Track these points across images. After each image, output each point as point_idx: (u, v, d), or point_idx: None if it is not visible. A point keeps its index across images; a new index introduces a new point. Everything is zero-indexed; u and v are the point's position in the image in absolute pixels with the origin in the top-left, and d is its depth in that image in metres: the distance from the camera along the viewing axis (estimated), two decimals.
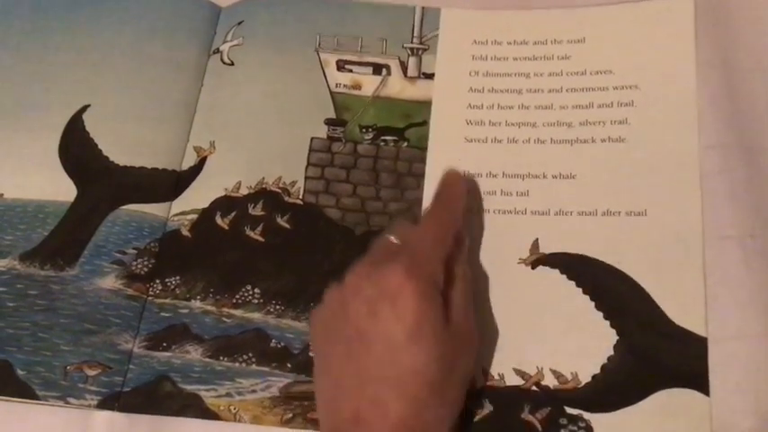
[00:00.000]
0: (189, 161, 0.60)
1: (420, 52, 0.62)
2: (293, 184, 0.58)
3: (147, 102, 0.62)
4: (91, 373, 0.53)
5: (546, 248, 0.54)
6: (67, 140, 0.60)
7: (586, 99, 0.59)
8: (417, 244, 0.48)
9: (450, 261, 0.49)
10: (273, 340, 0.53)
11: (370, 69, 0.62)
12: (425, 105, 0.60)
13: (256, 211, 0.58)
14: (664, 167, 0.55)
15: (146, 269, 0.56)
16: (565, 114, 0.58)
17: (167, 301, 0.55)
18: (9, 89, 0.63)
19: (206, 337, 0.54)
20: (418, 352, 0.44)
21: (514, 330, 0.52)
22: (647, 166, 0.56)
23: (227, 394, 0.52)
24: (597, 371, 0.50)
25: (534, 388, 0.50)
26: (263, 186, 0.58)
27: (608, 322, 0.52)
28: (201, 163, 0.59)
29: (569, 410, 0.50)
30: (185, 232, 0.57)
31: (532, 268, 0.54)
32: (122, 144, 0.60)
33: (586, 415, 0.49)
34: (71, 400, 0.52)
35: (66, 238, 0.57)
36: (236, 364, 0.53)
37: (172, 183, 0.59)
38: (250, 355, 0.53)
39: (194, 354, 0.53)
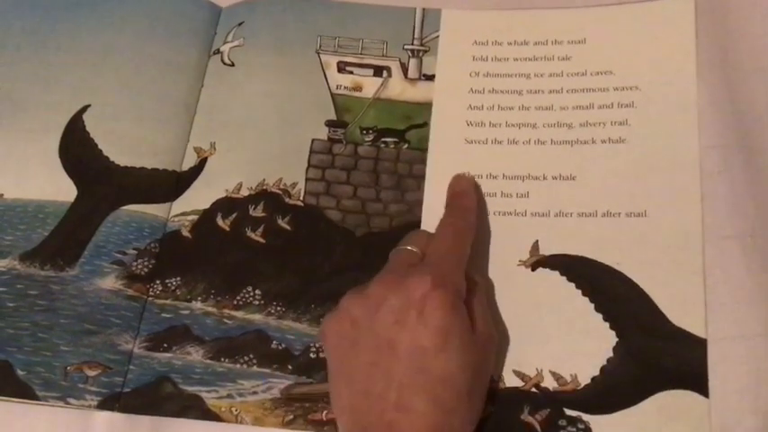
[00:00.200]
0: (189, 162, 0.60)
1: (421, 54, 0.62)
2: (294, 185, 0.58)
3: (148, 102, 0.62)
4: (91, 373, 0.53)
5: (546, 250, 0.54)
6: (68, 141, 0.60)
7: (587, 100, 0.59)
8: (440, 255, 0.49)
9: (469, 269, 0.50)
10: (274, 342, 0.53)
11: (370, 71, 0.62)
12: (426, 107, 0.60)
13: (257, 212, 0.58)
14: (664, 168, 0.55)
15: (146, 270, 0.56)
16: (565, 115, 0.58)
17: (168, 301, 0.55)
18: (9, 89, 0.62)
19: (207, 339, 0.54)
20: (447, 360, 0.45)
21: (514, 332, 0.52)
22: (648, 167, 0.56)
23: (229, 395, 0.52)
24: (597, 372, 0.50)
25: (534, 389, 0.51)
26: (264, 187, 0.58)
27: (607, 324, 0.52)
28: (202, 164, 0.59)
29: (569, 412, 0.50)
30: (186, 233, 0.57)
31: (532, 270, 0.54)
32: (123, 144, 0.60)
33: (586, 416, 0.49)
34: (71, 400, 0.52)
35: (67, 238, 0.57)
36: (238, 366, 0.53)
37: (172, 183, 0.59)
38: (251, 356, 0.53)
39: (195, 355, 0.53)
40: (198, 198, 0.58)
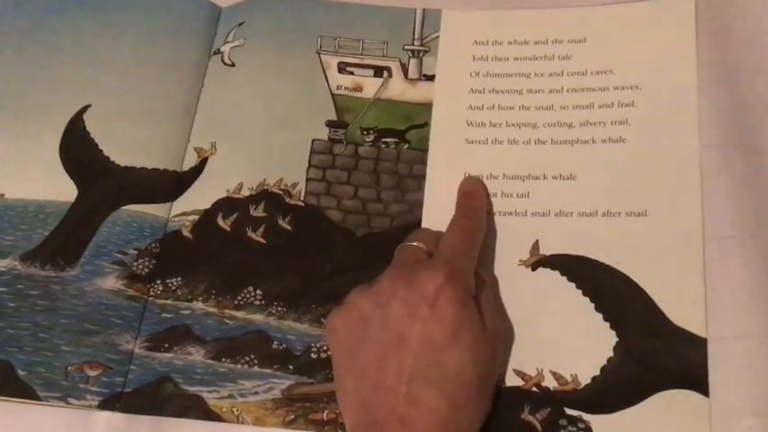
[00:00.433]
0: (190, 162, 0.60)
1: (421, 54, 0.62)
2: (294, 185, 0.58)
3: (148, 102, 0.61)
4: (92, 373, 0.53)
5: (546, 250, 0.54)
6: (68, 141, 0.60)
7: (587, 99, 0.59)
8: (451, 251, 0.50)
9: (477, 267, 0.50)
10: (275, 342, 0.53)
11: (371, 71, 0.62)
12: (426, 107, 0.60)
13: (258, 212, 0.58)
14: (664, 168, 0.55)
15: (147, 270, 0.56)
16: (565, 115, 0.58)
17: (168, 302, 0.55)
18: (10, 90, 0.62)
19: (208, 339, 0.54)
20: (459, 354, 0.46)
21: (515, 332, 0.52)
22: (648, 167, 0.56)
23: (230, 396, 0.52)
24: (597, 372, 0.50)
25: (534, 389, 0.51)
26: (265, 188, 0.58)
27: (608, 324, 0.52)
28: (202, 164, 0.59)
29: (569, 411, 0.50)
30: (186, 233, 0.57)
31: (533, 270, 0.54)
32: (123, 144, 0.60)
33: (586, 416, 0.50)
34: (72, 400, 0.52)
35: (67, 238, 0.57)
36: (239, 366, 0.53)
37: (173, 183, 0.59)
38: (252, 356, 0.53)
39: (196, 355, 0.53)
40: (198, 198, 0.58)
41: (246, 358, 0.53)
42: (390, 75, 0.62)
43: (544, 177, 0.57)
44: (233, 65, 0.63)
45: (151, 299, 0.55)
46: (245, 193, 0.58)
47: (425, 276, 0.47)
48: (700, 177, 0.55)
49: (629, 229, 0.54)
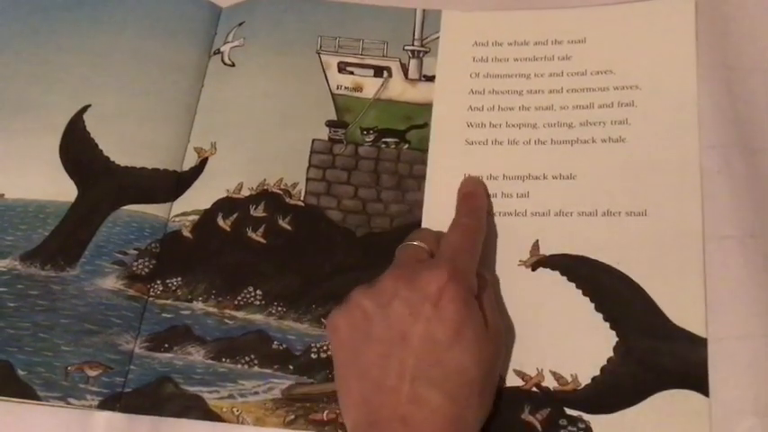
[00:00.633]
0: (190, 162, 0.60)
1: (421, 54, 0.62)
2: (294, 185, 0.58)
3: (148, 102, 0.61)
4: (92, 373, 0.53)
5: (546, 249, 0.54)
6: (68, 141, 0.60)
7: (587, 99, 0.59)
8: (453, 251, 0.50)
9: (478, 267, 0.50)
10: (275, 342, 0.53)
11: (371, 71, 0.62)
12: (426, 107, 0.60)
13: (258, 212, 0.58)
14: (664, 167, 0.55)
15: (147, 270, 0.56)
16: (565, 115, 0.58)
17: (168, 302, 0.55)
18: (10, 89, 0.62)
19: (208, 339, 0.54)
20: (462, 353, 0.46)
21: (515, 332, 0.52)
22: (648, 166, 0.56)
23: (230, 396, 0.52)
24: (597, 372, 0.51)
25: (534, 389, 0.51)
26: (265, 188, 0.58)
27: (608, 324, 0.52)
28: (202, 164, 0.59)
29: (569, 411, 0.50)
30: (186, 233, 0.57)
31: (533, 270, 0.54)
32: (123, 144, 0.60)
33: (586, 416, 0.50)
34: (72, 400, 0.52)
35: (67, 238, 0.57)
36: (239, 366, 0.53)
37: (173, 183, 0.59)
38: (252, 356, 0.53)
39: (196, 355, 0.53)
40: (198, 198, 0.58)
41: (246, 358, 0.53)
42: (390, 75, 0.62)
43: (544, 177, 0.57)
44: (233, 65, 0.63)
45: (151, 299, 0.55)
46: (245, 193, 0.58)
47: (428, 275, 0.47)
48: (700, 177, 0.55)
49: (629, 228, 0.54)
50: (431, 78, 0.61)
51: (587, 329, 0.52)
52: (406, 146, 0.59)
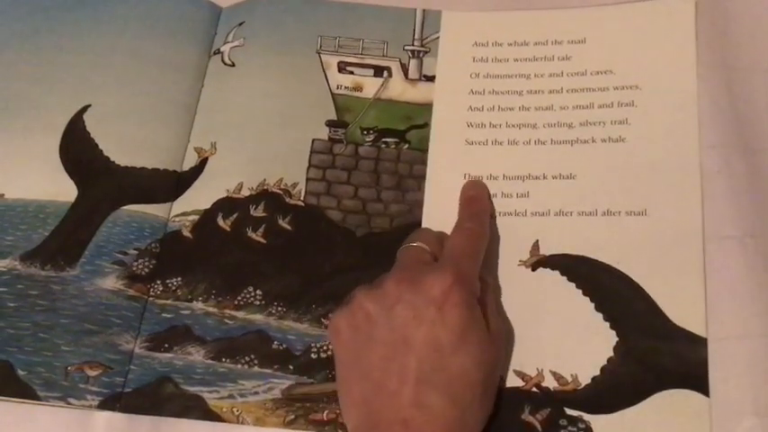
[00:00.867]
0: (190, 162, 0.60)
1: (421, 54, 0.62)
2: (295, 185, 0.58)
3: (148, 102, 0.61)
4: (92, 373, 0.53)
5: (546, 249, 0.54)
6: (68, 141, 0.60)
7: (587, 99, 0.59)
8: (457, 254, 0.50)
9: (481, 270, 0.50)
10: (275, 342, 0.53)
11: (371, 71, 0.62)
12: (426, 107, 0.60)
13: (258, 212, 0.58)
14: (664, 167, 0.55)
15: (147, 270, 0.56)
16: (565, 115, 0.59)
17: (168, 302, 0.55)
18: (10, 89, 0.62)
19: (208, 339, 0.54)
20: (465, 357, 0.46)
21: (515, 332, 0.52)
22: (648, 166, 0.56)
23: (230, 396, 0.52)
24: (597, 372, 0.51)
25: (534, 389, 0.51)
26: (265, 188, 0.58)
27: (608, 324, 0.52)
28: (202, 164, 0.59)
29: (569, 412, 0.50)
30: (186, 233, 0.57)
31: (533, 270, 0.54)
32: (123, 144, 0.60)
33: (586, 416, 0.50)
34: (72, 400, 0.52)
35: (67, 238, 0.57)
36: (239, 366, 0.53)
37: (173, 183, 0.59)
38: (252, 356, 0.53)
39: (196, 355, 0.53)
40: (198, 198, 0.58)
41: (246, 358, 0.53)
42: (390, 75, 0.62)
43: (544, 177, 0.57)
44: (233, 65, 0.63)
45: (151, 299, 0.55)
46: (245, 193, 0.58)
47: (432, 279, 0.47)
48: (700, 177, 0.55)
49: (629, 228, 0.54)
50: (431, 78, 0.61)
51: (587, 329, 0.52)
52: (406, 146, 0.59)
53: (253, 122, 0.60)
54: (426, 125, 0.60)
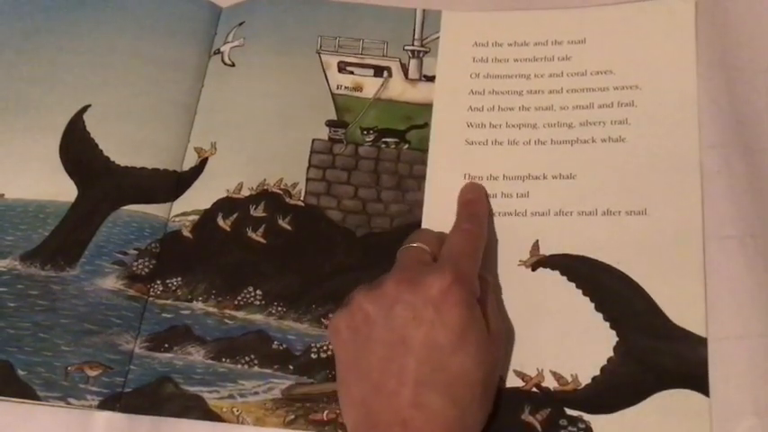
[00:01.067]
0: (190, 162, 0.60)
1: (421, 54, 0.62)
2: (295, 185, 0.58)
3: (148, 102, 0.61)
4: (92, 373, 0.53)
5: (546, 249, 0.54)
6: (68, 141, 0.60)
7: (587, 99, 0.59)
8: (455, 255, 0.50)
9: (481, 270, 0.50)
10: (275, 342, 0.53)
11: (371, 71, 0.62)
12: (426, 107, 0.60)
13: (258, 212, 0.58)
14: (664, 167, 0.55)
15: (147, 270, 0.56)
16: (565, 115, 0.59)
17: (168, 302, 0.55)
18: (10, 89, 0.62)
19: (208, 339, 0.54)
20: (465, 357, 0.46)
21: (515, 332, 0.52)
22: (648, 166, 0.56)
23: (230, 396, 0.52)
24: (597, 372, 0.51)
25: (534, 389, 0.51)
26: (265, 188, 0.58)
27: (608, 324, 0.52)
28: (202, 164, 0.59)
29: (569, 412, 0.50)
30: (186, 233, 0.57)
31: (533, 270, 0.54)
32: (123, 144, 0.60)
33: (586, 416, 0.50)
34: (72, 400, 0.52)
35: (67, 238, 0.57)
36: (239, 366, 0.53)
37: (173, 183, 0.59)
38: (252, 356, 0.53)
39: (196, 355, 0.53)
40: (198, 198, 0.58)
41: (246, 358, 0.53)
42: (390, 75, 0.62)
43: (544, 177, 0.57)
44: (233, 65, 0.63)
45: (151, 299, 0.55)
46: (245, 193, 0.58)
47: (431, 279, 0.46)
48: (700, 177, 0.55)
49: (629, 228, 0.54)
50: (431, 78, 0.61)
51: (587, 329, 0.52)
52: (406, 146, 0.59)
53: (253, 122, 0.60)
54: (426, 125, 0.60)
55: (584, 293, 0.53)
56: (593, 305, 0.52)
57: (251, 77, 0.62)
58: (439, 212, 0.56)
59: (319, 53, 0.63)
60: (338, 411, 0.50)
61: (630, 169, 0.56)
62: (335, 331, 0.49)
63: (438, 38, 0.63)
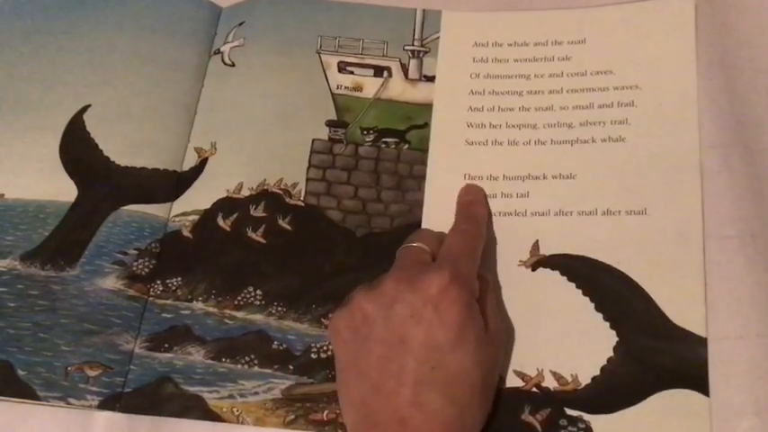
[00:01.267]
0: (190, 162, 0.60)
1: (421, 54, 0.62)
2: (294, 185, 0.58)
3: (148, 102, 0.61)
4: (92, 373, 0.53)
5: (546, 249, 0.54)
6: (68, 141, 0.60)
7: (587, 99, 0.59)
8: (454, 255, 0.50)
9: (480, 269, 0.50)
10: (275, 342, 0.53)
11: (371, 71, 0.62)
12: (426, 108, 0.60)
13: (258, 212, 0.58)
14: (664, 167, 0.56)
15: (147, 270, 0.56)
16: (565, 115, 0.59)
17: (168, 302, 0.55)
18: (10, 89, 0.62)
19: (208, 339, 0.54)
20: (463, 356, 0.46)
21: (515, 332, 0.52)
22: (648, 166, 0.56)
23: (230, 396, 0.52)
24: (597, 372, 0.51)
25: (534, 389, 0.51)
26: (265, 188, 0.58)
27: (608, 324, 0.52)
28: (202, 164, 0.59)
29: (569, 412, 0.50)
30: (186, 233, 0.57)
31: (533, 270, 0.54)
32: (123, 144, 0.60)
33: (586, 416, 0.50)
34: (72, 400, 0.52)
35: (67, 238, 0.57)
36: (239, 366, 0.53)
37: (173, 183, 0.59)
38: (252, 357, 0.53)
39: (196, 355, 0.53)
40: (198, 198, 0.58)
41: (246, 358, 0.53)
42: (390, 75, 0.62)
43: (544, 177, 0.57)
44: (233, 65, 0.63)
45: (151, 299, 0.55)
46: (245, 193, 0.58)
47: (430, 278, 0.47)
48: (700, 177, 0.55)
49: (629, 228, 0.54)
50: (431, 78, 0.61)
51: (587, 329, 0.52)
52: (406, 146, 0.59)
53: (253, 122, 0.60)
54: (426, 125, 0.60)
55: (585, 293, 0.53)
56: (593, 305, 0.52)
57: (251, 77, 0.62)
58: (439, 212, 0.56)
59: (319, 53, 0.63)
60: (338, 411, 0.50)
61: (630, 169, 0.56)
62: (335, 331, 0.49)
63: (438, 38, 0.63)
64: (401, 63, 0.62)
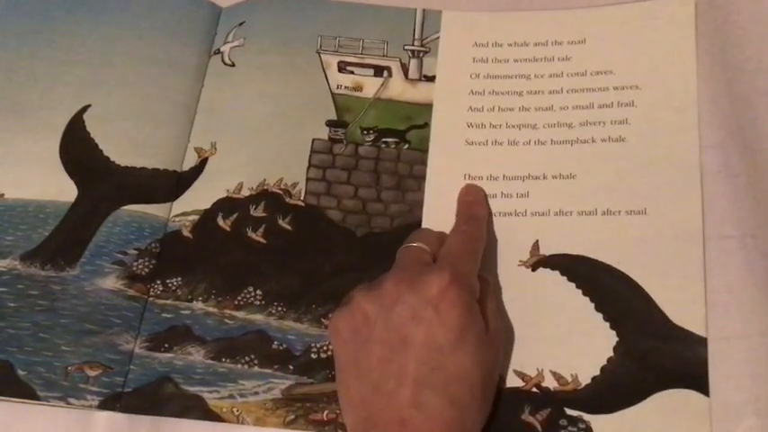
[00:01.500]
0: (190, 162, 0.60)
1: (421, 54, 0.62)
2: (295, 185, 0.58)
3: (148, 102, 0.61)
4: (92, 373, 0.53)
5: (546, 249, 0.54)
6: (68, 141, 0.60)
7: (587, 99, 0.59)
8: (455, 256, 0.50)
9: (480, 270, 0.51)
10: (275, 342, 0.53)
11: (371, 71, 0.62)
12: (426, 107, 0.60)
13: (258, 212, 0.58)
14: (664, 166, 0.56)
15: (147, 270, 0.56)
16: (565, 115, 0.59)
17: (168, 302, 0.55)
18: (9, 89, 0.62)
19: (208, 339, 0.54)
20: (463, 357, 0.46)
21: (515, 332, 0.52)
22: (648, 166, 0.56)
23: (230, 396, 0.52)
24: (597, 372, 0.51)
25: (534, 389, 0.51)
26: (265, 188, 0.58)
27: (608, 324, 0.52)
28: (203, 164, 0.59)
29: (569, 412, 0.50)
30: (186, 233, 0.57)
31: (533, 270, 0.54)
32: (123, 144, 0.60)
33: (586, 416, 0.50)
34: (72, 400, 0.52)
35: (67, 238, 0.57)
36: (239, 366, 0.53)
37: (173, 183, 0.59)
38: (252, 356, 0.53)
39: (196, 355, 0.53)
40: (198, 198, 0.58)
41: (246, 358, 0.53)
42: (390, 74, 0.62)
43: (544, 177, 0.57)
44: (233, 65, 0.63)
45: (151, 299, 0.55)
46: (245, 193, 0.58)
47: (430, 279, 0.47)
48: (700, 177, 0.55)
49: (629, 228, 0.54)
50: (431, 78, 0.61)
51: (587, 329, 0.52)
52: (406, 146, 0.59)
53: (253, 122, 0.60)
54: (426, 125, 0.60)
55: (585, 293, 0.53)
56: (593, 305, 0.52)
57: (251, 77, 0.62)
58: (439, 212, 0.56)
59: (319, 53, 0.63)
60: (338, 411, 0.50)
61: (630, 169, 0.56)
62: (335, 331, 0.49)
63: (438, 38, 0.63)
64: (401, 63, 0.62)
